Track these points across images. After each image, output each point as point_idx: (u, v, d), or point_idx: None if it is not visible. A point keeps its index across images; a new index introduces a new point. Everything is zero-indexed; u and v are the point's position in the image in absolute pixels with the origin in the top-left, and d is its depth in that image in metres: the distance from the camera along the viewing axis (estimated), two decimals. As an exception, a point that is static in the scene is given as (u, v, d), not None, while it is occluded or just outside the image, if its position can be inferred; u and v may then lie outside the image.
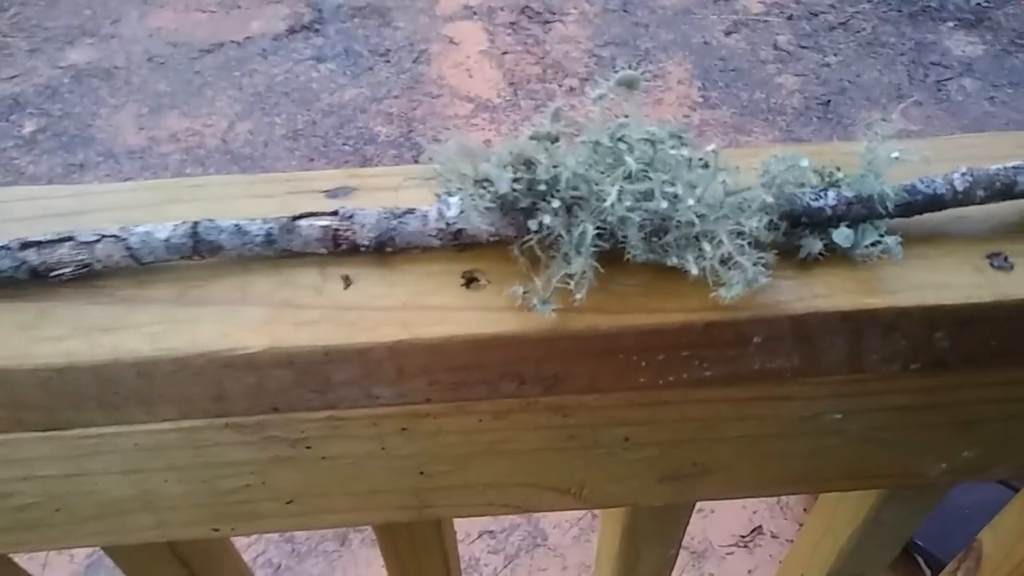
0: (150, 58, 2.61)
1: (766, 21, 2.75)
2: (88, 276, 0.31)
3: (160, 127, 2.36)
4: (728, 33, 2.70)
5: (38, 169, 2.22)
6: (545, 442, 0.35)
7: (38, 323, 0.30)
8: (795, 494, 0.41)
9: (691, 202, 0.29)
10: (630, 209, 0.28)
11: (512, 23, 2.74)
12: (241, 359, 0.29)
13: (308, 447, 0.34)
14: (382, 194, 0.35)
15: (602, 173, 0.29)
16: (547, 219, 0.30)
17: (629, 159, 0.29)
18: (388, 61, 2.59)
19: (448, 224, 0.31)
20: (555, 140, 0.30)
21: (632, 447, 0.36)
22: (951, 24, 2.73)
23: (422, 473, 0.36)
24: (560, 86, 2.48)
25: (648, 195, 0.29)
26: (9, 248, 0.30)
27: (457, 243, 0.32)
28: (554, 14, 2.77)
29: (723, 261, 0.29)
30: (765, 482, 0.39)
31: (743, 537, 1.51)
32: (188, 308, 0.30)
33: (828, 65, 2.56)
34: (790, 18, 2.76)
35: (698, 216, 0.29)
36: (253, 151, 2.29)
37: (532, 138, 0.30)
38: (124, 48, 2.65)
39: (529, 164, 0.30)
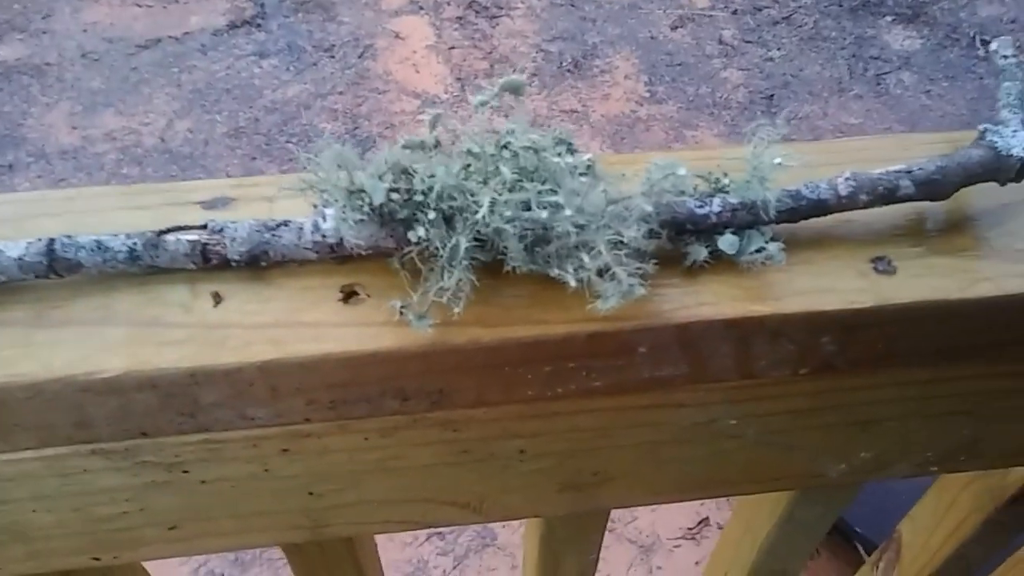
0: (84, 54, 2.52)
1: (711, 16, 2.78)
2: (-65, 297, 0.29)
3: (95, 126, 2.29)
4: (674, 28, 2.72)
5: (-36, 171, 2.13)
6: (437, 457, 0.34)
7: None
8: (698, 499, 0.40)
9: (568, 212, 0.29)
10: (509, 220, 0.28)
11: (459, 18, 2.72)
12: (100, 383, 0.28)
13: (185, 471, 0.32)
14: (262, 205, 0.33)
15: (480, 183, 0.28)
16: (422, 231, 0.29)
17: (504, 168, 0.28)
18: (333, 56, 2.55)
19: (324, 236, 0.30)
20: (433, 148, 0.29)
21: (528, 459, 0.35)
22: (890, 19, 2.79)
23: (311, 493, 0.35)
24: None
25: (527, 205, 0.29)
26: None
27: (335, 256, 0.31)
28: (501, 9, 2.76)
29: (600, 272, 0.28)
30: (667, 488, 0.39)
31: (690, 529, 1.53)
32: (46, 330, 0.29)
33: (772, 60, 2.60)
34: (735, 12, 2.79)
35: (577, 226, 0.29)
36: (193, 150, 2.24)
37: (406, 147, 0.29)
38: (56, 44, 2.55)
39: (406, 173, 0.29)
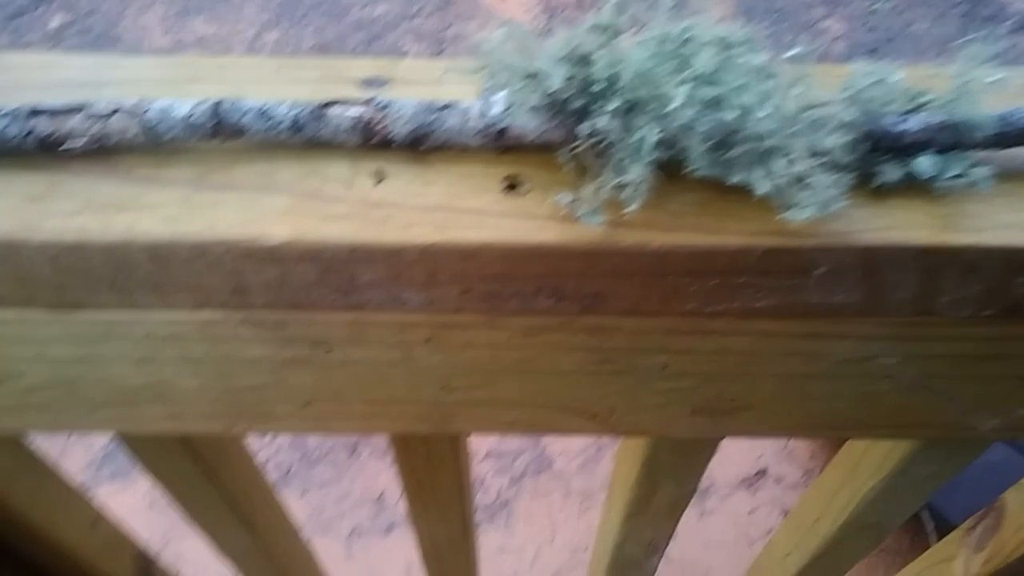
0: (181, -44, 2.52)
1: (818, -41, 2.60)
2: (102, 151, 0.29)
3: (186, 31, 2.31)
4: (775, -30, 2.55)
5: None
6: (577, 364, 0.33)
7: (48, 196, 0.28)
8: (831, 436, 0.39)
9: (763, 113, 0.26)
10: (697, 117, 0.25)
11: (554, -55, 2.61)
12: (263, 250, 0.27)
13: (328, 350, 0.32)
14: (420, 88, 0.32)
15: (669, 74, 0.26)
16: (602, 122, 0.27)
17: (698, 61, 0.26)
18: (422, -21, 2.49)
19: (491, 123, 0.29)
20: (617, 34, 0.27)
21: (669, 376, 0.34)
22: (1012, -24, 2.55)
23: (445, 386, 0.34)
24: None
25: (716, 103, 0.26)
26: (17, 114, 0.28)
27: (499, 144, 0.29)
28: (597, -63, 2.63)
29: (795, 181, 0.26)
30: (802, 422, 0.37)
31: (746, 479, 1.52)
32: (208, 192, 0.28)
33: (877, 12, 2.42)
34: (843, -44, 2.60)
35: (770, 130, 0.27)
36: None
37: (592, 29, 0.27)
38: (155, -57, 2.56)
39: (585, 60, 0.27)
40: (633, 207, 0.26)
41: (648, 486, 0.51)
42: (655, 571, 0.67)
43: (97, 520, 0.61)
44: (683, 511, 0.56)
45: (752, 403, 0.35)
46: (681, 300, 0.29)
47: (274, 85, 0.32)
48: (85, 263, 0.28)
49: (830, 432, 0.38)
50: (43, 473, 0.51)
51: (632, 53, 0.27)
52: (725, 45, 0.28)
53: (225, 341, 0.31)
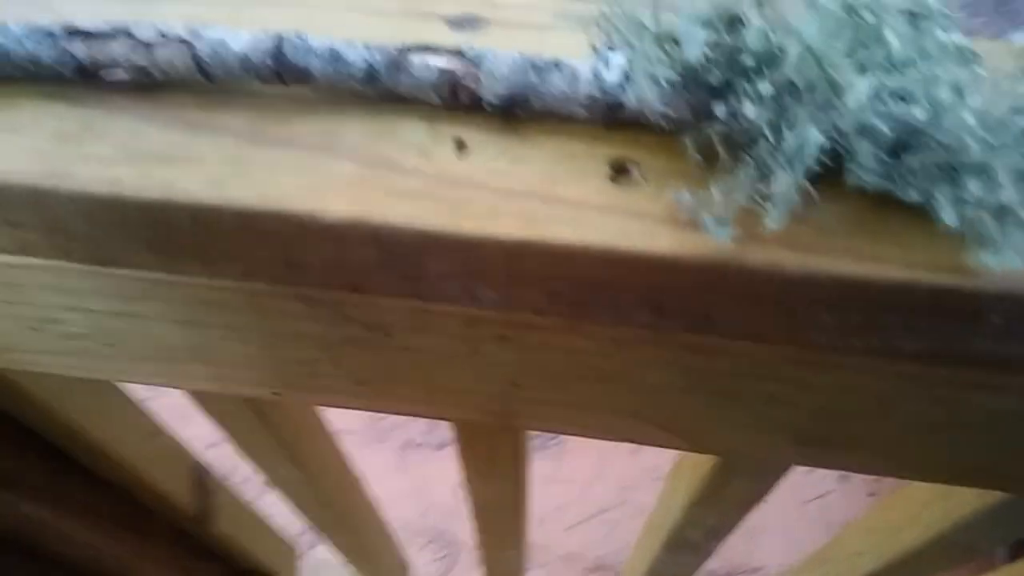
0: None
1: None
2: (145, 87, 0.25)
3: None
4: None
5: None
6: (668, 379, 0.28)
7: (82, 137, 0.24)
8: (956, 484, 0.33)
9: (966, 116, 0.20)
10: (881, 113, 0.19)
11: None
12: (319, 227, 0.23)
13: (388, 335, 0.28)
14: (522, 34, 0.26)
15: (843, 55, 0.20)
16: (749, 109, 0.21)
17: (891, 36, 0.20)
18: None
19: (604, 91, 0.23)
20: (781, -7, 0.21)
21: (776, 405, 0.29)
22: None
23: (514, 383, 0.30)
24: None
25: (903, 96, 0.20)
26: (53, 35, 0.24)
27: (610, 118, 0.24)
28: None
29: (996, 211, 0.20)
30: (926, 467, 0.32)
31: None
32: (263, 148, 0.24)
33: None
34: None
35: (968, 138, 0.20)
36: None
37: (754, -12, 0.20)
38: None
39: (736, 23, 0.21)
40: (775, 222, 0.21)
41: (720, 480, 0.47)
42: (712, 552, 0.63)
43: (155, 433, 0.60)
44: (755, 505, 0.52)
45: (870, 442, 0.30)
46: (810, 332, 0.24)
47: (347, 15, 0.27)
48: (120, 220, 0.24)
49: (958, 482, 0.32)
50: (104, 389, 0.50)
51: (799, 22, 0.21)
52: (920, 16, 0.22)
53: (275, 314, 0.28)
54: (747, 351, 0.26)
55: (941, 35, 0.22)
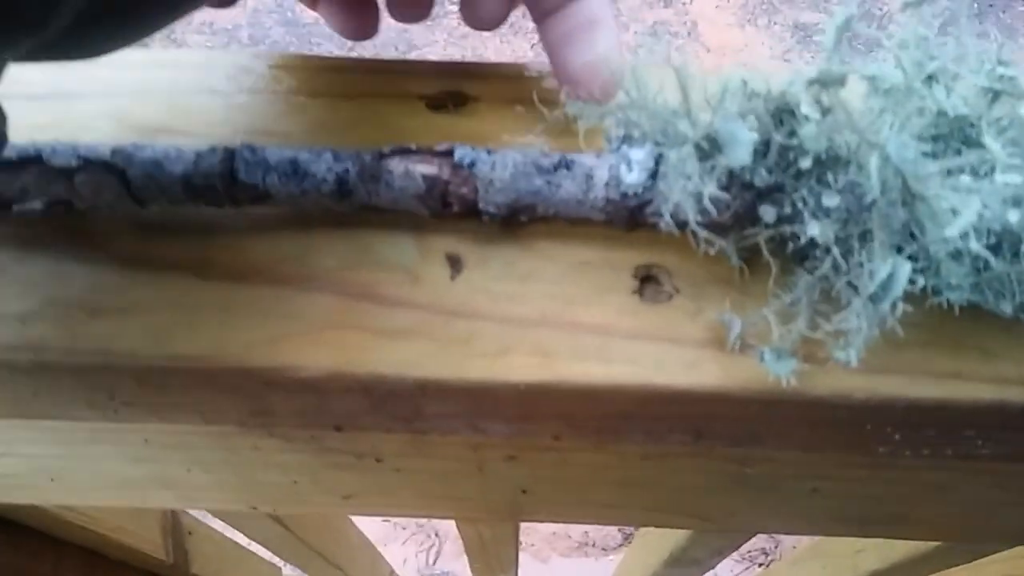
0: None
1: None
2: (72, 215, 0.20)
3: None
4: None
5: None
6: (704, 481, 0.25)
7: (-8, 289, 0.19)
8: (990, 548, 0.31)
9: (1065, 222, 0.17)
10: (977, 233, 0.16)
11: None
12: (293, 382, 0.19)
13: (379, 460, 0.24)
14: (514, 114, 0.22)
15: (930, 156, 0.17)
16: (811, 225, 0.17)
17: (994, 144, 0.16)
18: None
19: (625, 195, 0.19)
20: (840, 83, 0.17)
21: (819, 496, 0.26)
22: None
23: (524, 491, 0.27)
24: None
25: (1015, 199, 0.17)
26: (-62, 170, 0.19)
27: (633, 224, 0.20)
28: None
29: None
30: (967, 534, 0.29)
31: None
32: (215, 287, 0.20)
33: None
34: None
35: (1066, 244, 0.17)
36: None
37: (816, 80, 0.17)
38: None
39: (786, 119, 0.18)
40: (852, 359, 0.17)
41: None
42: (715, 566, 0.62)
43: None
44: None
45: (914, 518, 0.28)
46: (873, 445, 0.21)
47: (307, 100, 0.23)
48: (49, 385, 0.20)
49: (993, 545, 0.30)
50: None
51: (869, 116, 0.17)
52: (996, 96, 0.18)
53: (246, 449, 0.24)
54: (794, 459, 0.23)
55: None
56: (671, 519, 0.29)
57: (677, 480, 0.25)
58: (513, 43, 1.77)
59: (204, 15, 1.72)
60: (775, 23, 1.87)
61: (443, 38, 1.76)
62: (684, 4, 1.89)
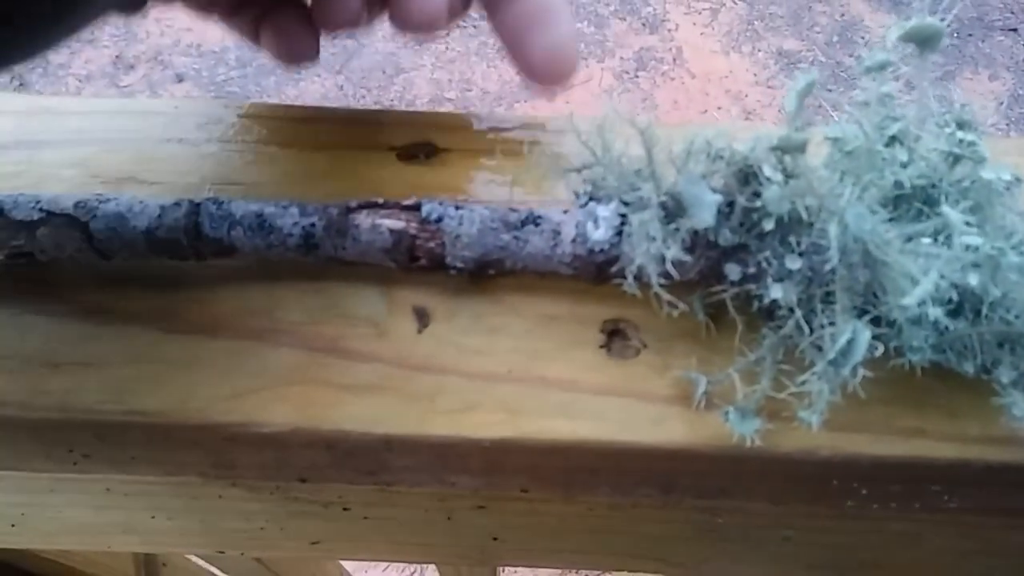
0: None
1: None
2: (35, 267, 0.20)
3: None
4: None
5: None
6: (673, 531, 0.25)
7: (-53, 344, 0.19)
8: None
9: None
10: (937, 301, 0.16)
11: None
12: (255, 437, 0.19)
13: (346, 508, 0.24)
14: (487, 167, 0.22)
15: (887, 223, 0.17)
16: (773, 288, 0.18)
17: (951, 212, 0.16)
18: None
19: (592, 251, 0.19)
20: (801, 149, 0.17)
21: (790, 544, 0.26)
22: None
23: (495, 538, 0.26)
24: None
25: (970, 263, 0.17)
26: None
27: (600, 279, 0.20)
28: None
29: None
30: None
31: None
32: (179, 340, 0.20)
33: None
34: None
35: (1027, 307, 0.17)
36: None
37: (778, 146, 0.17)
38: None
39: (749, 181, 0.18)
40: (815, 420, 0.18)
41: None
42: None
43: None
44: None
45: (887, 565, 0.28)
46: (841, 498, 0.21)
47: (277, 150, 0.23)
48: (8, 434, 0.19)
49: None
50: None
51: (830, 182, 0.17)
52: (956, 160, 0.18)
53: (210, 497, 0.24)
54: (765, 510, 0.23)
55: (987, 174, 0.19)
56: (643, 565, 0.29)
57: (647, 529, 0.25)
58: (500, 68, 1.78)
59: (192, 36, 1.72)
60: (759, 50, 1.89)
61: (431, 62, 1.77)
62: (670, 31, 1.91)
